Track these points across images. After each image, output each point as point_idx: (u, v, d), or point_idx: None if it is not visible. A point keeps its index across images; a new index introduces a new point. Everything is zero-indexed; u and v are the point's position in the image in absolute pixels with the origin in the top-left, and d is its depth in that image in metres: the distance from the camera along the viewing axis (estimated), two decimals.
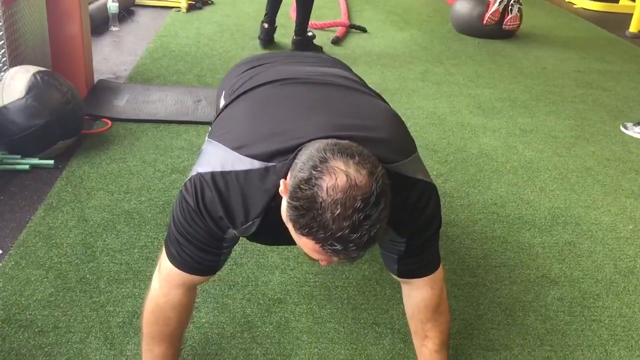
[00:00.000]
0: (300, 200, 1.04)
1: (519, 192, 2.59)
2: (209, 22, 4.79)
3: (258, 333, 1.72)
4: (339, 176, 1.03)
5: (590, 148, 3.08)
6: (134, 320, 1.70)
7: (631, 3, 6.18)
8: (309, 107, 1.33)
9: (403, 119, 1.47)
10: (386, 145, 1.25)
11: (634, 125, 3.32)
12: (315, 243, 1.06)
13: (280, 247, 2.00)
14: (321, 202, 1.02)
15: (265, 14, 4.17)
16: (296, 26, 4.13)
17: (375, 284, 1.94)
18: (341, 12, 5.28)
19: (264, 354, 1.65)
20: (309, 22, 4.19)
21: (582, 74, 4.30)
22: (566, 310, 1.91)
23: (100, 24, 4.35)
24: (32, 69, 2.47)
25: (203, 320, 1.74)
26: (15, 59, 2.62)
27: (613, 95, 3.92)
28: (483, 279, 2.02)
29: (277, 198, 1.17)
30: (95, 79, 3.32)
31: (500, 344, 1.76)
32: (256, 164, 1.19)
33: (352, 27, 4.88)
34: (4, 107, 2.37)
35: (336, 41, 4.53)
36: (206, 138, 1.35)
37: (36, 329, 1.65)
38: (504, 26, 4.94)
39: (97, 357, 1.59)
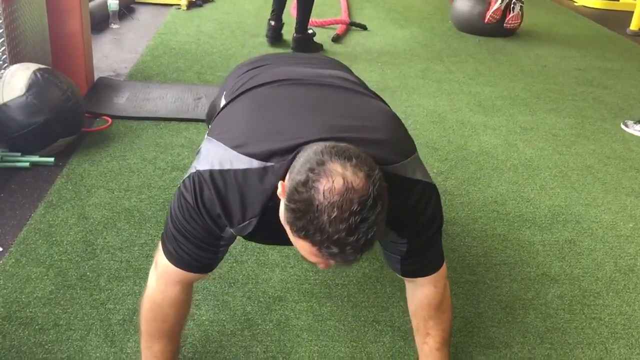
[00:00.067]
0: (297, 203, 1.05)
1: (519, 190, 2.59)
2: (210, 20, 4.78)
3: (258, 331, 1.72)
4: (336, 179, 1.03)
5: (591, 146, 3.08)
6: (135, 317, 1.70)
7: (632, 1, 6.17)
8: (308, 108, 1.33)
9: (403, 116, 1.47)
10: (385, 146, 1.25)
11: (635, 123, 3.32)
12: (312, 246, 1.06)
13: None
14: (318, 205, 1.02)
15: (272, 11, 4.18)
16: (296, 24, 4.12)
17: (375, 281, 1.94)
18: (341, 10, 5.28)
19: (264, 351, 1.65)
20: (310, 20, 4.19)
21: (583, 72, 4.29)
22: (566, 308, 1.91)
23: (100, 22, 4.35)
24: (33, 67, 2.47)
25: (203, 317, 1.74)
26: (16, 57, 2.62)
27: (614, 93, 3.92)
28: (483, 277, 2.02)
29: (274, 198, 1.17)
30: (96, 77, 3.31)
31: (500, 342, 1.76)
32: (255, 164, 1.19)
33: (353, 25, 4.88)
34: (4, 104, 2.37)
35: (336, 39, 4.52)
36: (205, 136, 1.35)
37: (36, 327, 1.65)
38: (505, 24, 4.92)
39: (98, 354, 1.59)
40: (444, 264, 1.45)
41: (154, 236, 2.06)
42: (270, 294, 1.86)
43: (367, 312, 1.82)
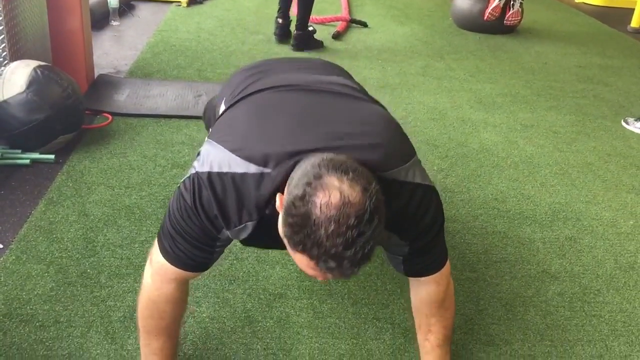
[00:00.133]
0: (295, 217, 1.05)
1: (520, 187, 2.59)
2: (210, 17, 4.78)
3: (259, 328, 1.72)
4: (333, 193, 1.04)
5: (591, 143, 3.08)
6: (135, 314, 1.69)
7: None
8: (307, 114, 1.34)
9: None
10: (384, 151, 1.26)
11: (635, 120, 3.32)
12: (310, 260, 1.07)
13: None
14: (315, 219, 1.03)
15: (279, 9, 4.19)
16: (297, 21, 4.11)
17: (375, 278, 1.95)
18: (342, 7, 5.27)
19: (264, 348, 1.65)
20: (310, 17, 4.18)
21: (583, 69, 4.29)
22: (566, 306, 1.91)
23: (100, 19, 4.35)
24: (33, 64, 2.47)
25: (204, 315, 1.74)
26: (16, 54, 2.62)
27: (614, 90, 3.92)
28: (483, 274, 2.02)
29: (270, 205, 1.19)
30: (96, 74, 3.31)
31: (500, 339, 1.76)
32: (252, 168, 1.20)
33: (353, 22, 4.88)
34: (5, 101, 2.37)
35: (337, 36, 4.52)
36: (206, 139, 1.36)
37: (37, 324, 1.65)
38: (505, 21, 4.92)
39: (98, 351, 1.59)
40: (448, 261, 1.45)
41: (154, 233, 2.03)
42: (270, 291, 1.86)
43: (367, 309, 1.83)
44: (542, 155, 2.90)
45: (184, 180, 1.28)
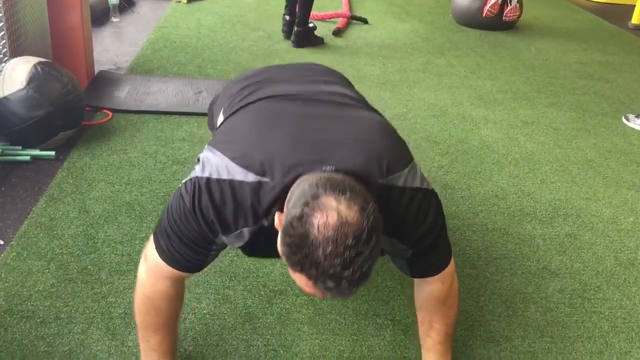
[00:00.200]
0: (293, 237, 1.06)
1: (520, 184, 2.59)
2: (210, 13, 4.77)
3: (259, 324, 1.72)
4: (330, 213, 1.04)
5: (592, 140, 3.08)
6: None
7: None
8: (307, 125, 1.36)
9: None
10: (383, 159, 1.27)
11: (636, 117, 3.31)
12: (308, 279, 1.07)
13: None
14: (313, 240, 1.04)
15: (286, 6, 4.19)
16: (297, 17, 4.11)
17: (375, 275, 1.95)
18: (342, 3, 5.26)
19: (265, 345, 1.66)
20: (311, 13, 4.18)
21: (584, 66, 4.28)
22: (567, 302, 1.91)
23: (100, 15, 4.34)
24: (33, 60, 2.47)
25: (204, 311, 1.75)
26: (16, 50, 2.61)
27: (615, 87, 3.91)
28: (484, 271, 2.02)
29: (270, 216, 1.21)
30: (96, 70, 3.31)
31: (500, 336, 1.76)
32: (250, 177, 1.22)
33: (353, 19, 4.87)
34: (5, 98, 2.37)
35: (337, 32, 4.51)
36: (207, 145, 1.38)
37: (38, 320, 1.66)
38: (504, 18, 4.92)
39: (99, 347, 1.59)
40: (452, 260, 1.46)
41: None
42: (271, 287, 1.86)
43: (367, 305, 1.83)
44: (543, 151, 2.90)
45: (185, 181, 1.29)
